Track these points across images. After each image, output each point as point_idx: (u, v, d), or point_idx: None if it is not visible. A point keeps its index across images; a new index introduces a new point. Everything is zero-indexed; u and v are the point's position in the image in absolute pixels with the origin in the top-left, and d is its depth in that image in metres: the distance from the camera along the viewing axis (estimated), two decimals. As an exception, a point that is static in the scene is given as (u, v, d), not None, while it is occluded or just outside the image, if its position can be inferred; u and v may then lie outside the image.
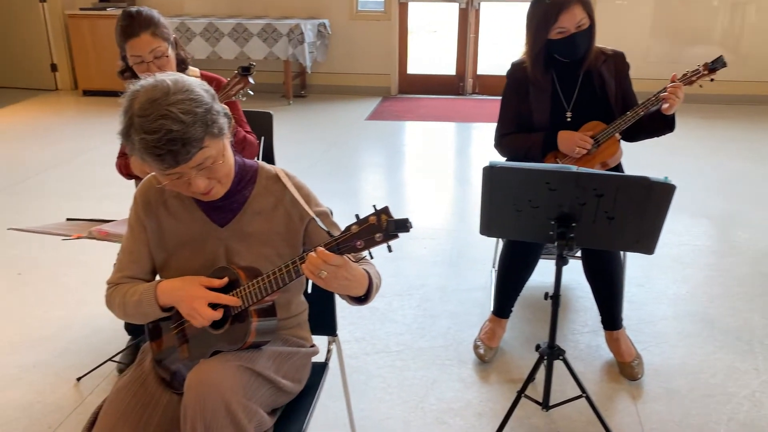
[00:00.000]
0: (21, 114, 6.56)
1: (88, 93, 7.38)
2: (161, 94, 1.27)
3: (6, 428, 2.17)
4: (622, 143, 2.51)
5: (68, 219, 2.26)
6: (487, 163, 1.91)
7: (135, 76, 2.40)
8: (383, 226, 1.20)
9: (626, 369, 2.42)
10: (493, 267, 3.22)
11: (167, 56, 2.31)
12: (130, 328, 2.53)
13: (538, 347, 2.11)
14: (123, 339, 2.66)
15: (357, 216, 1.25)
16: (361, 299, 1.38)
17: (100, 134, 5.78)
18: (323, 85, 7.50)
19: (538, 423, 2.18)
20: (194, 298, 1.35)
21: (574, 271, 3.20)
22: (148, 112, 1.25)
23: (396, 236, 1.21)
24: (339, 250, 1.24)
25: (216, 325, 1.43)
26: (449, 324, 2.77)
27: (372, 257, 1.26)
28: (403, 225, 1.20)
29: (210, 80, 2.46)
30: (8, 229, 2.23)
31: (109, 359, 2.45)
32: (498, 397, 2.31)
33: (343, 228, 1.50)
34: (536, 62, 2.47)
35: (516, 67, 2.58)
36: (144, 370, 1.52)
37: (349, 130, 5.91)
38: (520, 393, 2.09)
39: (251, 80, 2.19)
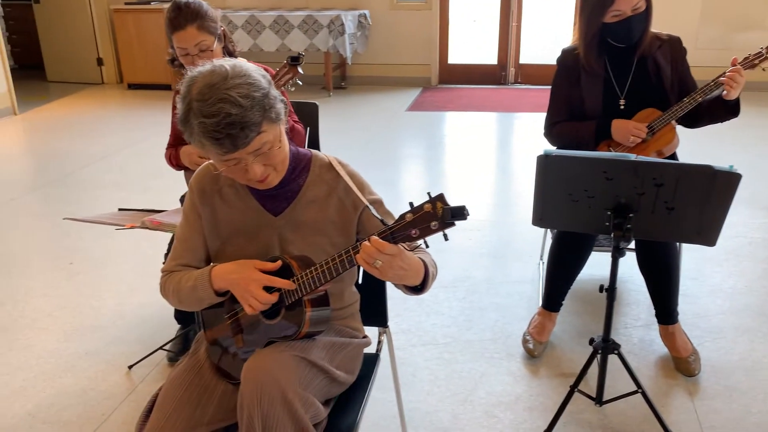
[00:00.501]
0: (69, 107, 6.71)
1: (132, 86, 7.51)
2: (219, 78, 1.27)
3: (63, 414, 2.22)
4: (678, 132, 2.42)
5: (120, 209, 2.29)
6: (540, 152, 1.86)
7: (184, 66, 2.41)
8: (439, 214, 1.17)
9: (682, 364, 2.34)
10: (541, 259, 3.16)
11: (212, 50, 2.32)
12: (179, 317, 2.56)
13: (591, 341, 2.05)
14: (172, 328, 2.69)
15: (411, 204, 1.22)
16: (417, 289, 1.36)
17: (145, 127, 5.88)
18: (363, 76, 7.48)
19: (590, 418, 2.13)
20: (249, 280, 1.34)
21: (626, 263, 3.12)
22: (206, 96, 1.25)
23: (452, 224, 1.18)
24: (393, 239, 1.22)
25: (270, 315, 1.42)
26: (496, 317, 2.72)
27: (427, 246, 1.23)
28: (460, 212, 1.16)
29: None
30: (64, 219, 2.27)
31: (160, 348, 2.48)
32: (549, 392, 2.26)
33: (396, 216, 1.49)
34: (589, 48, 2.40)
35: (567, 54, 2.51)
36: (199, 360, 1.52)
37: (390, 122, 5.88)
38: (573, 388, 2.04)
39: (300, 70, 2.18)
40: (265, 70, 2.44)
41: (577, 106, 2.49)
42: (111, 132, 5.74)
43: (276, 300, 1.35)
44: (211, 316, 1.53)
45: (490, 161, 4.81)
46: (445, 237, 1.20)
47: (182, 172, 2.58)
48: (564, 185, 1.89)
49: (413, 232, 1.20)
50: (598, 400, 2.08)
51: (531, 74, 7.35)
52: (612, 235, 1.90)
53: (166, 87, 7.37)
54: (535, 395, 2.25)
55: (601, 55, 2.41)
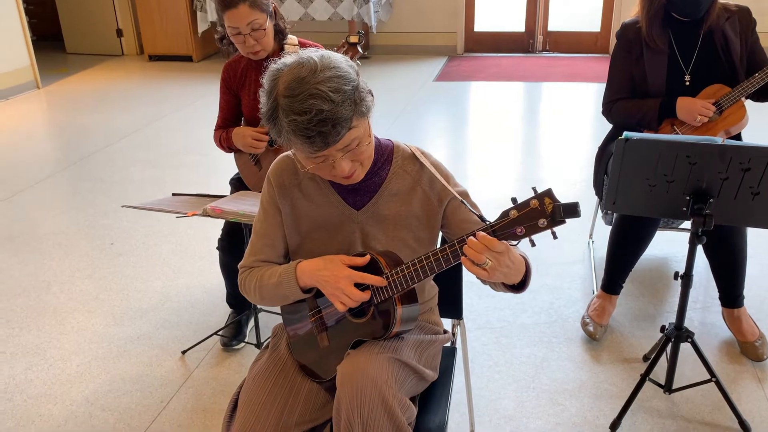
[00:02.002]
0: (90, 80, 6.63)
1: (153, 58, 7.40)
2: (308, 72, 1.19)
3: (121, 401, 2.20)
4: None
5: (174, 194, 2.24)
6: (622, 136, 1.77)
7: (233, 44, 2.34)
8: (547, 211, 1.10)
9: (749, 349, 2.28)
10: (591, 238, 3.09)
11: (264, 29, 2.23)
12: (232, 302, 2.52)
13: (663, 328, 1.99)
14: (221, 311, 2.67)
15: (514, 200, 1.16)
16: (516, 287, 1.29)
17: (170, 100, 5.80)
18: (387, 45, 7.32)
19: (659, 406, 2.08)
20: (339, 278, 1.28)
21: (678, 242, 3.05)
22: (296, 92, 1.18)
23: (563, 222, 1.11)
24: (496, 237, 1.15)
25: (357, 313, 1.37)
26: (551, 299, 2.67)
27: (533, 245, 1.17)
28: (573, 210, 1.10)
29: (308, 48, 2.37)
30: (122, 206, 2.22)
31: (214, 333, 2.45)
32: (613, 378, 2.22)
33: (482, 209, 1.42)
34: (653, 21, 2.30)
35: (628, 28, 2.40)
36: (281, 356, 1.48)
37: (418, 93, 5.76)
38: (645, 377, 1.99)
39: (360, 50, 2.09)
40: (316, 47, 2.37)
41: (639, 83, 2.39)
42: (135, 106, 5.67)
43: (368, 298, 1.29)
44: (293, 312, 1.49)
45: (522, 134, 4.70)
46: (554, 235, 1.14)
47: (230, 153, 2.51)
48: (642, 169, 1.81)
49: (519, 230, 1.14)
50: (668, 387, 2.04)
51: (560, 42, 7.17)
52: (691, 221, 1.83)
53: (188, 58, 7.26)
54: (599, 382, 2.20)
55: (665, 29, 2.31)
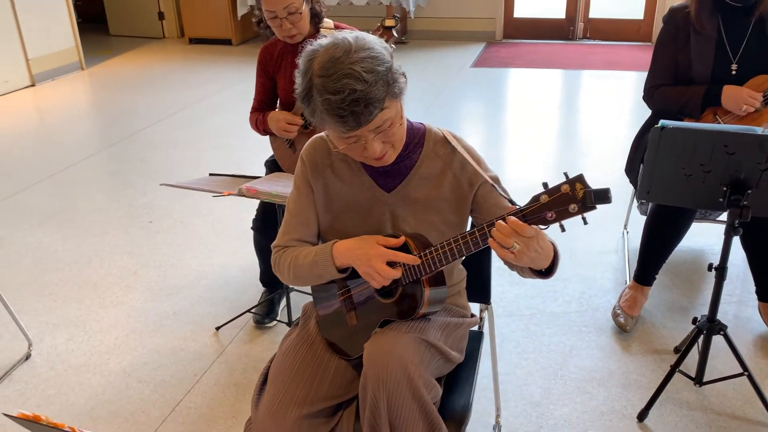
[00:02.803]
0: (132, 62, 6.77)
1: (194, 41, 7.51)
2: (342, 52, 1.21)
3: (157, 373, 2.27)
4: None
5: (211, 174, 2.28)
6: (658, 125, 1.75)
7: (270, 28, 2.36)
8: (578, 197, 1.10)
9: (785, 345, 2.24)
10: (625, 228, 3.05)
11: (300, 12, 2.25)
12: (265, 280, 2.57)
13: (695, 320, 1.97)
14: (255, 289, 2.72)
15: (545, 185, 1.16)
16: (543, 273, 1.30)
17: (209, 83, 5.88)
18: (425, 30, 7.29)
19: (688, 398, 2.07)
20: (372, 256, 1.30)
21: (715, 234, 2.99)
22: (330, 72, 1.20)
23: (594, 207, 1.11)
24: (526, 221, 1.16)
25: (385, 294, 1.39)
26: (582, 288, 2.65)
27: (563, 230, 1.17)
28: (605, 196, 1.09)
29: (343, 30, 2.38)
30: (161, 184, 2.28)
31: (247, 311, 2.51)
32: (642, 369, 2.20)
33: (512, 195, 1.42)
34: (702, 6, 2.24)
35: (676, 12, 2.35)
36: (310, 333, 1.51)
37: (455, 79, 5.73)
38: (675, 368, 1.97)
39: (395, 34, 2.10)
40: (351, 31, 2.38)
41: (684, 69, 2.35)
42: (176, 88, 5.77)
43: (399, 275, 1.31)
44: (322, 291, 1.51)
45: (559, 122, 4.65)
46: (585, 221, 1.14)
47: (265, 136, 2.55)
48: (678, 158, 1.78)
49: (549, 215, 1.14)
50: (698, 380, 2.01)
51: (601, 29, 7.04)
52: (727, 213, 1.80)
53: (227, 42, 7.35)
54: (628, 372, 2.19)
55: (714, 14, 2.25)
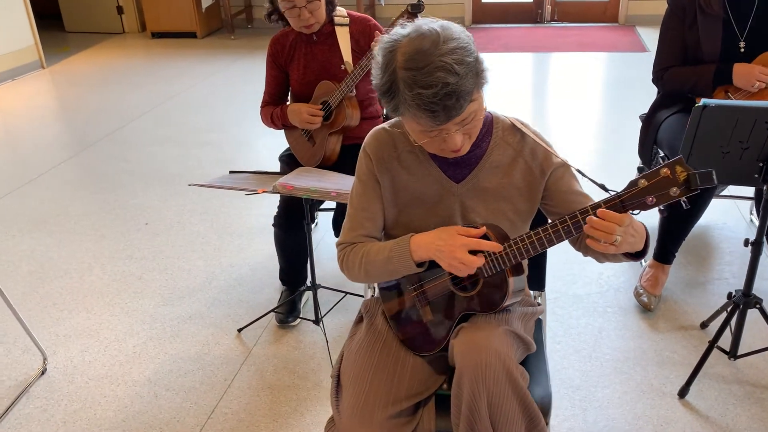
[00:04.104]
0: (93, 59, 6.52)
1: (156, 35, 7.28)
2: (430, 43, 1.16)
3: (184, 380, 2.20)
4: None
5: (231, 171, 2.21)
6: (699, 103, 1.76)
7: (282, 19, 2.30)
8: (680, 180, 1.10)
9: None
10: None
11: (320, 0, 2.19)
12: (285, 278, 2.51)
13: (730, 295, 2.01)
14: (270, 288, 2.66)
15: (641, 169, 1.15)
16: (636, 254, 1.28)
17: (179, 77, 5.71)
18: (394, 17, 7.22)
19: (723, 372, 2.11)
20: (454, 246, 1.26)
21: (717, 210, 3.06)
22: (420, 65, 1.15)
23: (697, 191, 1.10)
24: (623, 207, 1.15)
25: (464, 287, 1.36)
26: (599, 269, 2.68)
27: (664, 213, 1.16)
28: (709, 178, 1.09)
29: (358, 20, 2.33)
30: (189, 185, 2.18)
31: (271, 311, 2.44)
32: (673, 346, 2.24)
33: (582, 180, 1.41)
34: None
35: None
36: (379, 330, 1.47)
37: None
38: (713, 344, 2.01)
39: (419, 18, 2.05)
40: (365, 20, 2.33)
41: (692, 49, 2.38)
42: (145, 83, 5.59)
43: (483, 262, 1.28)
44: (391, 288, 1.47)
45: (534, 105, 4.68)
46: (686, 204, 1.13)
47: (280, 130, 2.48)
48: (717, 136, 1.80)
49: (650, 199, 1.13)
50: (733, 354, 2.06)
51: (568, 12, 7.11)
52: (764, 188, 1.84)
53: (192, 35, 7.15)
54: (660, 350, 2.22)
55: None
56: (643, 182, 1.13)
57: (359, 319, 1.57)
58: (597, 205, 1.17)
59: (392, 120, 1.45)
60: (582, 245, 1.38)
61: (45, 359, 2.30)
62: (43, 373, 2.26)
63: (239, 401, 2.10)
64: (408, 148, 1.40)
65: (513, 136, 1.40)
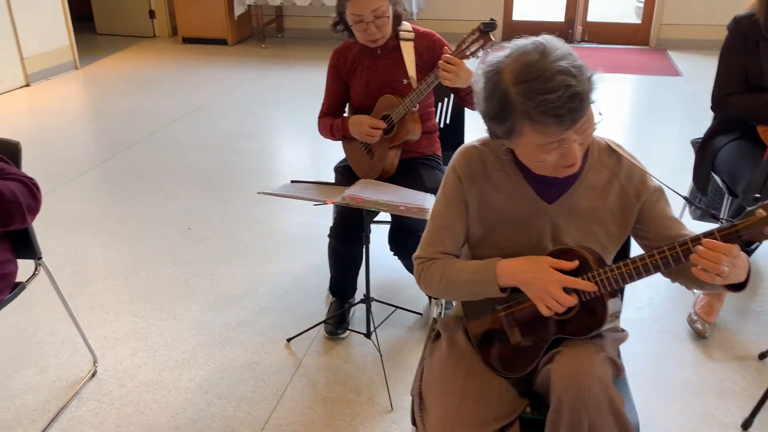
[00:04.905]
0: (126, 62, 6.56)
1: (187, 40, 7.32)
2: (539, 55, 1.17)
3: (237, 387, 2.18)
4: None
5: (293, 181, 2.20)
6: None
7: (348, 30, 2.30)
8: None
9: None
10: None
11: (388, 16, 2.20)
12: (336, 289, 2.49)
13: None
14: (316, 298, 2.64)
15: (756, 198, 1.13)
16: (737, 286, 1.26)
17: (212, 84, 5.73)
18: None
19: (784, 405, 2.07)
20: (547, 281, 1.25)
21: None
22: (536, 75, 1.15)
23: None
24: (739, 237, 1.13)
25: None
26: (650, 294, 2.65)
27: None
28: None
29: (423, 35, 2.33)
30: (258, 192, 2.16)
31: (322, 322, 2.43)
32: (732, 375, 2.20)
33: (676, 208, 1.39)
34: None
35: (742, 21, 2.37)
36: (461, 349, 1.45)
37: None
38: (779, 375, 1.97)
39: (493, 38, 2.05)
40: (429, 35, 2.33)
41: (754, 76, 2.36)
42: (178, 89, 5.61)
43: (576, 302, 1.26)
44: (477, 307, 1.46)
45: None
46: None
47: (338, 141, 2.47)
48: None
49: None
50: (795, 385, 2.02)
51: (599, 32, 7.11)
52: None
53: (223, 42, 7.18)
54: (718, 380, 2.19)
55: None
56: (761, 212, 1.12)
57: (436, 336, 1.56)
58: (709, 234, 1.15)
59: (481, 138, 1.44)
60: (674, 271, 1.37)
61: (95, 361, 2.29)
62: (93, 375, 2.25)
63: (293, 413, 2.08)
64: (498, 166, 1.39)
65: (609, 157, 1.39)
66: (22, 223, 1.66)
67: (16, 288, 1.92)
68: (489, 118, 1.23)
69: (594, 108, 1.25)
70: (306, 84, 5.69)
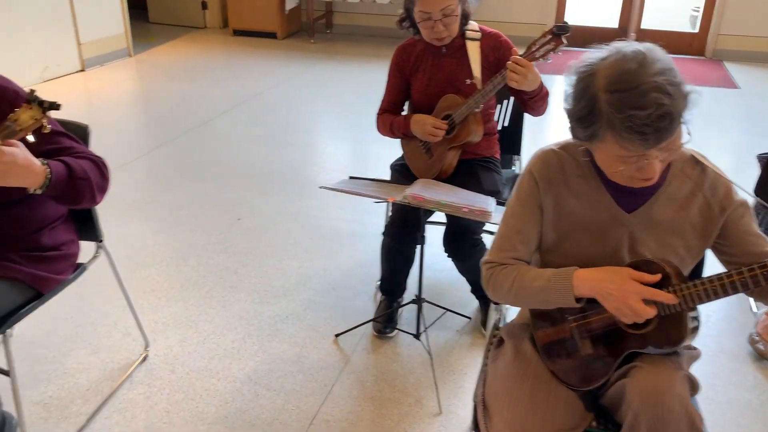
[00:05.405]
0: (177, 51, 6.65)
1: (237, 33, 7.39)
2: (636, 64, 1.12)
3: (286, 380, 2.18)
4: None
5: (351, 177, 2.19)
6: None
7: (414, 26, 2.28)
8: None
9: None
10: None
11: (456, 14, 2.17)
12: (387, 288, 2.48)
13: None
14: (364, 295, 2.63)
15: (759, 209, 1.08)
16: None
17: (262, 76, 5.77)
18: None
19: None
20: (627, 292, 1.22)
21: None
22: (629, 86, 1.11)
23: None
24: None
25: (635, 324, 1.30)
26: (707, 311, 2.57)
27: None
28: None
29: (490, 36, 2.30)
30: (320, 187, 2.16)
31: (371, 320, 2.42)
32: (794, 400, 2.13)
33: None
34: None
35: None
36: (528, 357, 1.42)
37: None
38: None
39: (565, 41, 2.01)
40: (496, 35, 2.30)
41: None
42: (227, 80, 5.66)
43: (656, 313, 1.22)
44: (546, 316, 1.42)
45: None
46: None
47: (395, 139, 2.46)
48: None
49: None
50: None
51: (653, 41, 6.91)
52: None
53: (272, 35, 7.23)
54: (780, 403, 2.11)
55: None
56: None
57: (499, 342, 1.53)
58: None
59: (560, 141, 1.41)
60: (758, 290, 1.31)
61: (147, 345, 2.32)
62: (144, 359, 2.27)
63: (341, 409, 2.07)
64: (577, 172, 1.36)
65: (693, 168, 1.34)
66: (92, 202, 1.68)
67: (78, 269, 1.95)
68: (574, 119, 1.19)
69: (683, 128, 1.20)
70: (353, 80, 5.69)
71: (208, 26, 7.80)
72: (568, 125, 1.29)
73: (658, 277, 1.23)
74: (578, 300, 1.29)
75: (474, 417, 1.40)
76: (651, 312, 1.21)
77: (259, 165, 3.91)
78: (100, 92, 5.28)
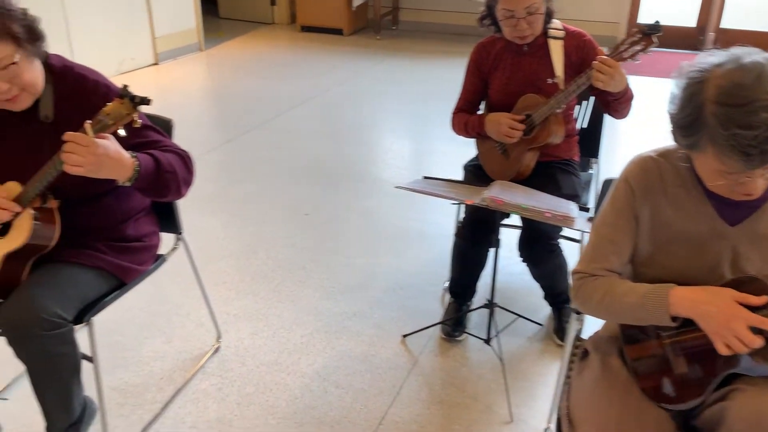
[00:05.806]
0: (246, 46, 6.76)
1: (305, 29, 7.46)
2: (754, 78, 1.06)
3: (353, 380, 2.18)
4: None
5: (425, 177, 2.16)
6: None
7: (495, 24, 2.23)
8: None
9: None
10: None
11: (541, 13, 2.11)
12: (457, 291, 2.45)
13: None
14: (431, 297, 2.61)
15: None
16: None
17: (329, 73, 5.80)
18: (543, 31, 7.05)
19: None
20: (731, 317, 1.14)
21: None
22: (741, 101, 1.05)
23: None
24: None
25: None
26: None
27: None
28: None
29: (574, 35, 2.23)
30: (395, 187, 2.15)
31: (440, 322, 2.39)
32: None
33: None
34: None
35: None
36: (615, 372, 1.36)
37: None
38: None
39: (656, 41, 1.93)
40: (580, 35, 2.22)
41: None
42: (295, 76, 5.71)
43: (762, 344, 1.15)
44: (638, 330, 1.36)
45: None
46: None
47: (470, 138, 2.41)
48: None
49: None
50: None
51: (732, 40, 6.56)
52: None
53: (338, 32, 7.27)
54: None
55: None
56: None
57: (583, 354, 1.47)
58: None
59: (659, 148, 1.34)
60: None
61: (219, 337, 2.36)
62: (216, 350, 2.31)
63: (409, 411, 2.05)
64: (677, 181, 1.29)
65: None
66: (177, 195, 1.71)
67: (158, 260, 1.99)
68: (677, 125, 1.13)
69: None
70: (418, 77, 5.66)
71: (276, 22, 7.90)
72: (670, 129, 1.23)
73: (765, 299, 1.16)
74: (674, 319, 1.23)
75: (558, 430, 1.35)
76: (758, 342, 1.13)
77: (325, 161, 3.93)
78: (173, 86, 5.41)
